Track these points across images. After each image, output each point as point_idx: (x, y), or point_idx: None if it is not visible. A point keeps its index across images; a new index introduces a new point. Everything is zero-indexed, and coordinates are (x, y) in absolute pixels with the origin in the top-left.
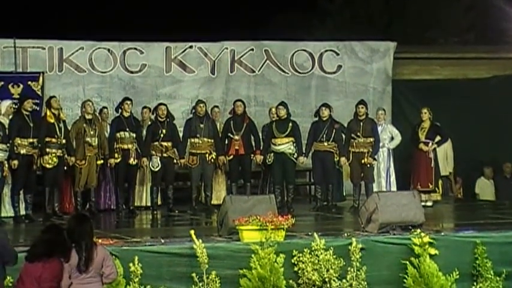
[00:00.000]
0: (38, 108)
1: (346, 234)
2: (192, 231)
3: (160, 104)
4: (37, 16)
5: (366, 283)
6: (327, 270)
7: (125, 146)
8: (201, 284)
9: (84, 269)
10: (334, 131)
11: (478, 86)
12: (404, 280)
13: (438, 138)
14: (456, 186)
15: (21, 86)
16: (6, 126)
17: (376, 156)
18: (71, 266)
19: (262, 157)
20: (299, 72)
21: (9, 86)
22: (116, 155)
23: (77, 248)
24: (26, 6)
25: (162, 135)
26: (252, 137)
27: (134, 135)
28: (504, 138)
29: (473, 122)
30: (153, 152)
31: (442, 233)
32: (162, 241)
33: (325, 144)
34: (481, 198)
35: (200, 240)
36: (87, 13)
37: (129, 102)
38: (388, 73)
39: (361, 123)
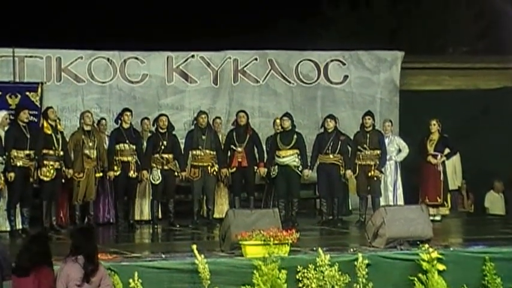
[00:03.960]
0: (36, 120)
1: (352, 250)
2: (194, 246)
3: (161, 114)
4: (35, 25)
5: None
6: (332, 287)
7: (125, 159)
8: None
9: (87, 279)
10: (339, 143)
11: (488, 96)
12: None
13: (447, 150)
14: (468, 201)
15: (19, 96)
16: (2, 137)
17: (383, 169)
18: (69, 278)
19: (266, 170)
20: (304, 83)
21: (7, 97)
22: (116, 168)
23: (85, 260)
24: (24, 15)
25: (162, 147)
26: (256, 149)
27: (134, 147)
28: None
29: (483, 134)
30: (154, 165)
31: (451, 249)
32: (163, 256)
33: (331, 156)
34: (491, 213)
35: (202, 256)
36: (85, 21)
37: (129, 113)
38: (396, 83)
39: (368, 135)
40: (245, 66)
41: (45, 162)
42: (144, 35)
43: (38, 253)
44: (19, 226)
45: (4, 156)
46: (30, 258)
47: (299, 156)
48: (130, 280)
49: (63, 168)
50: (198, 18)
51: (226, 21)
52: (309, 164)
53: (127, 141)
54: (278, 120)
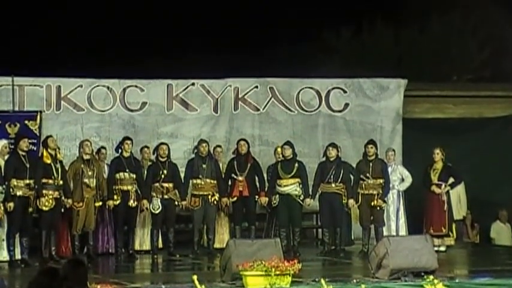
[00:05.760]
0: (34, 148)
1: (355, 281)
2: (195, 277)
3: (162, 143)
4: (35, 53)
5: None
6: None
7: (125, 188)
8: None
9: None
10: (342, 171)
11: (493, 125)
12: None
13: (451, 180)
14: (473, 232)
15: (18, 125)
16: (2, 166)
17: (385, 199)
18: None
19: (267, 199)
20: (305, 111)
21: (6, 126)
22: (115, 197)
23: None
24: (24, 44)
25: (163, 176)
26: (257, 178)
27: (134, 176)
28: None
29: (488, 163)
30: (154, 194)
31: (456, 280)
32: (163, 287)
33: (333, 185)
34: (497, 243)
35: (203, 286)
36: (85, 50)
37: (129, 141)
38: (399, 111)
39: (371, 164)
40: (245, 94)
41: (44, 191)
42: (144, 63)
43: (44, 287)
44: (18, 256)
45: (4, 186)
46: None
47: (300, 185)
48: None
49: (63, 197)
50: (199, 46)
51: (226, 48)
52: (311, 193)
53: (127, 170)
54: (279, 149)
